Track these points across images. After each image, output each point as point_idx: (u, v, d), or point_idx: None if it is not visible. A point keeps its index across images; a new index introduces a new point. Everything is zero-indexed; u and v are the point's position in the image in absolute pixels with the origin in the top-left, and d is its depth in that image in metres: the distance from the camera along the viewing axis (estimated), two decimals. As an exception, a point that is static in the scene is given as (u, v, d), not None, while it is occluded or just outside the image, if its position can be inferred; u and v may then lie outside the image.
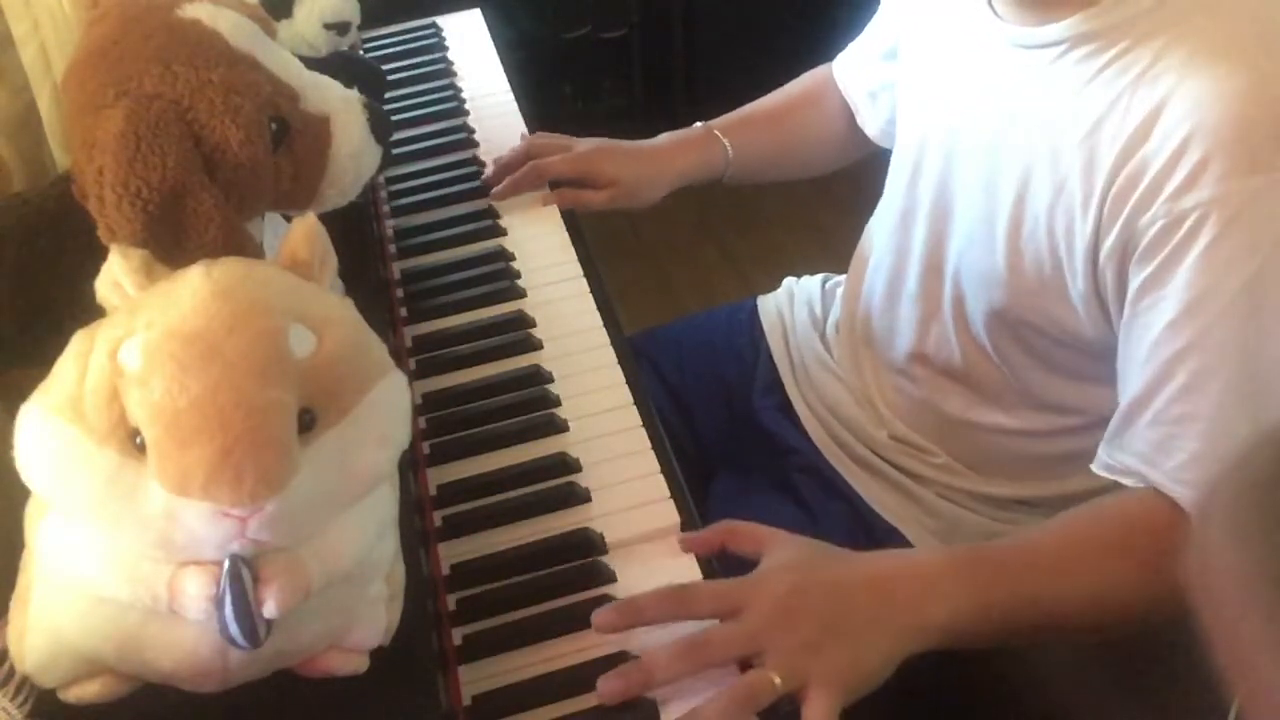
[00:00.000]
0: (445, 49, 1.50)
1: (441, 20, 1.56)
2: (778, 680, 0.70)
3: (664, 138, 1.28)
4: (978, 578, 0.80)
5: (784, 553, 0.79)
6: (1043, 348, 0.97)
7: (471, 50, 1.49)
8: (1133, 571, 0.80)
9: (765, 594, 0.75)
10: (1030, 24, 0.90)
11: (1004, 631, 0.81)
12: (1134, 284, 0.83)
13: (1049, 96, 0.89)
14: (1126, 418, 0.84)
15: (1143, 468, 0.82)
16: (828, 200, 2.38)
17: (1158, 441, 0.81)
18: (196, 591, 0.53)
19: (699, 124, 1.29)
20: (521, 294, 1.07)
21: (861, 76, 1.25)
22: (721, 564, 0.82)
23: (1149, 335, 0.81)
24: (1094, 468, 0.87)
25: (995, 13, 0.94)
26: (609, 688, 0.71)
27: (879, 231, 1.17)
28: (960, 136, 1.00)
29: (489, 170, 1.22)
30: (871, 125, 1.25)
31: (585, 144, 1.24)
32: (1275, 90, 0.78)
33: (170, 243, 0.66)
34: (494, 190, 1.19)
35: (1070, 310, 0.91)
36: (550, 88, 2.66)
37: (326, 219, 0.62)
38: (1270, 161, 0.76)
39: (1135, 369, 0.83)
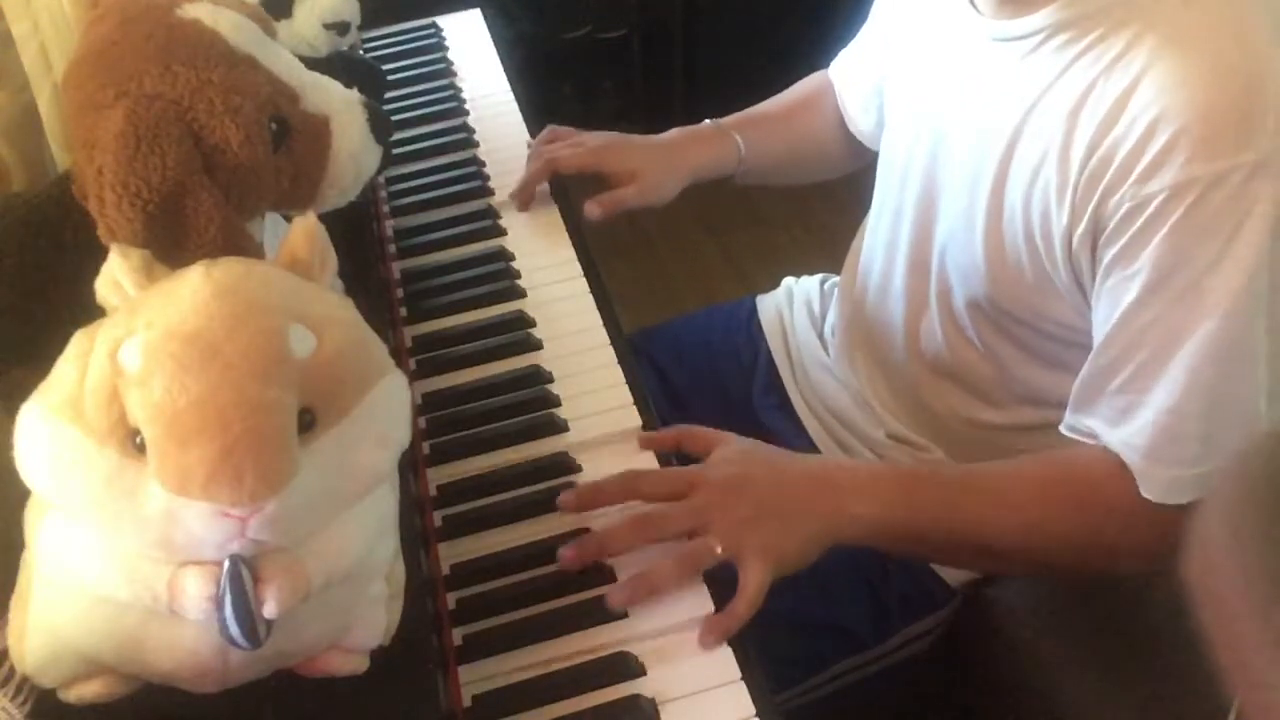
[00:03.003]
0: (445, 49, 1.50)
1: (441, 20, 1.55)
2: (719, 548, 0.79)
3: (675, 133, 1.24)
4: (913, 487, 0.88)
5: (731, 448, 0.87)
6: (1028, 340, 0.98)
7: (471, 50, 1.49)
8: (1067, 511, 0.87)
9: (712, 478, 0.84)
10: (1009, 17, 0.91)
11: (937, 546, 0.91)
12: (1102, 263, 0.85)
13: (1027, 86, 0.90)
14: (1094, 385, 0.87)
15: (1103, 429, 0.86)
16: (827, 200, 2.38)
17: (1121, 408, 0.85)
18: (196, 591, 0.53)
19: (708, 121, 1.26)
20: (521, 294, 1.07)
21: (853, 78, 1.25)
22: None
23: (1115, 311, 0.84)
24: (1061, 429, 0.91)
25: (975, 8, 0.95)
26: (568, 555, 0.79)
27: (870, 230, 1.17)
28: (944, 133, 1.01)
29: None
30: (864, 127, 1.25)
31: (597, 138, 1.20)
32: (1241, 77, 0.79)
33: (170, 243, 0.66)
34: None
35: (1056, 299, 0.92)
36: (550, 88, 2.65)
37: (326, 219, 0.62)
38: (1234, 147, 0.77)
39: (1102, 341, 0.86)
